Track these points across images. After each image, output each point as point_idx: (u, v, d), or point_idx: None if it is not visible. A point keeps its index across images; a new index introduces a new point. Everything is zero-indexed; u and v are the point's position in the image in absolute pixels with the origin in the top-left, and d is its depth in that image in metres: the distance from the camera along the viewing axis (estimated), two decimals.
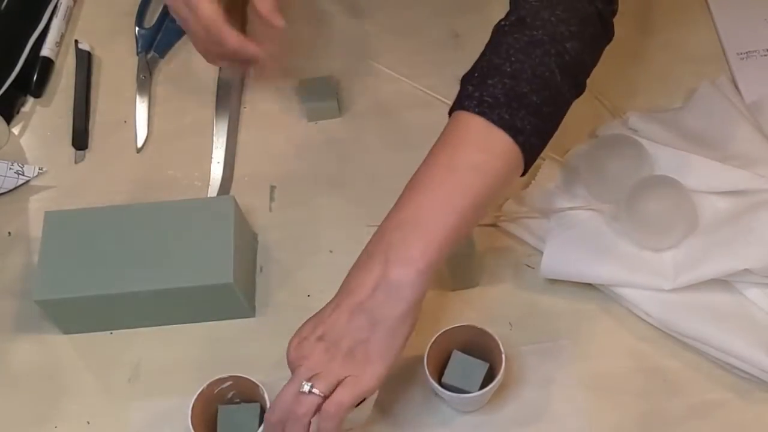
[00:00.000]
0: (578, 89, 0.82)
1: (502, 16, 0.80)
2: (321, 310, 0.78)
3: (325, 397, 0.75)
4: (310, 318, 0.79)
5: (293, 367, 0.77)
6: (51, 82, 1.13)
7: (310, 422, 0.75)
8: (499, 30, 0.81)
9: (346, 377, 0.75)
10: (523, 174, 0.80)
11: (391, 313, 0.74)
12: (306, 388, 0.75)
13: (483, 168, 0.76)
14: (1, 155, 1.07)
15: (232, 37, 0.93)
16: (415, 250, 0.74)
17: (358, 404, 0.78)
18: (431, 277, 0.75)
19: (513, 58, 0.77)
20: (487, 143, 0.76)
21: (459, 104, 0.78)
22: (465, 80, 0.80)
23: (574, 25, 0.79)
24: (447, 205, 0.75)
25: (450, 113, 0.80)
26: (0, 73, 1.10)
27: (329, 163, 1.04)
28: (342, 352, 0.75)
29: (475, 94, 0.77)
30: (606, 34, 0.84)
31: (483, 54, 0.80)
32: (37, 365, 0.94)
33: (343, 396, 0.75)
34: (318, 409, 0.75)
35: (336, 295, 0.77)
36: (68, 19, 1.17)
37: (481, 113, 0.76)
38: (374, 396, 0.80)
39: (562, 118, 0.81)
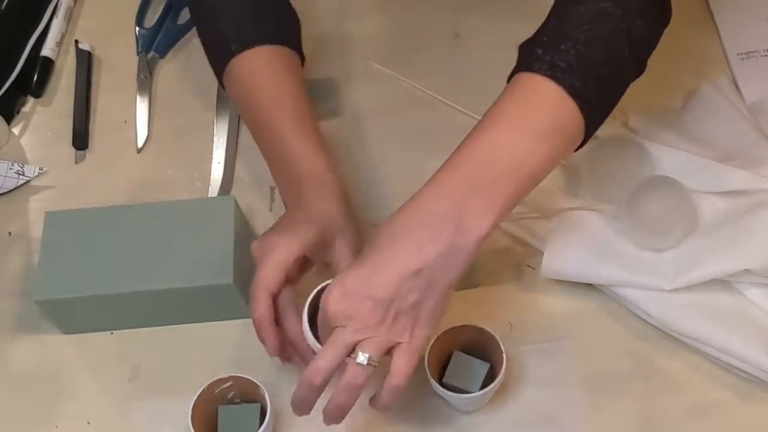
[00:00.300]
0: (640, 68, 0.80)
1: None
2: (362, 266, 0.73)
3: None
4: (353, 269, 0.74)
5: (334, 322, 0.73)
6: (51, 82, 1.13)
7: None
8: None
9: (397, 343, 0.73)
10: (578, 149, 0.78)
11: (447, 278, 0.73)
12: (363, 359, 0.72)
13: (548, 136, 0.73)
14: (2, 155, 1.07)
15: (255, 311, 0.81)
16: (485, 220, 0.72)
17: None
18: None
19: (585, 27, 0.75)
20: (554, 110, 0.74)
21: (526, 66, 0.75)
22: (531, 43, 0.77)
23: (641, 2, 0.78)
24: (514, 174, 0.73)
25: (511, 77, 0.77)
26: (0, 73, 1.10)
27: None
28: (391, 315, 0.72)
29: (546, 57, 0.74)
30: (665, 13, 0.82)
31: (548, 20, 0.78)
32: (37, 365, 0.93)
33: (407, 367, 0.73)
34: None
35: (382, 250, 0.73)
36: (68, 19, 1.17)
37: (552, 77, 0.73)
38: None
39: (621, 95, 0.79)
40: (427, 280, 0.72)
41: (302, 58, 0.94)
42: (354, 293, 0.73)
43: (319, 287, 0.80)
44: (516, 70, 0.77)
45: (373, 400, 0.78)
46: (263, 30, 0.90)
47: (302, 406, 0.77)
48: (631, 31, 0.77)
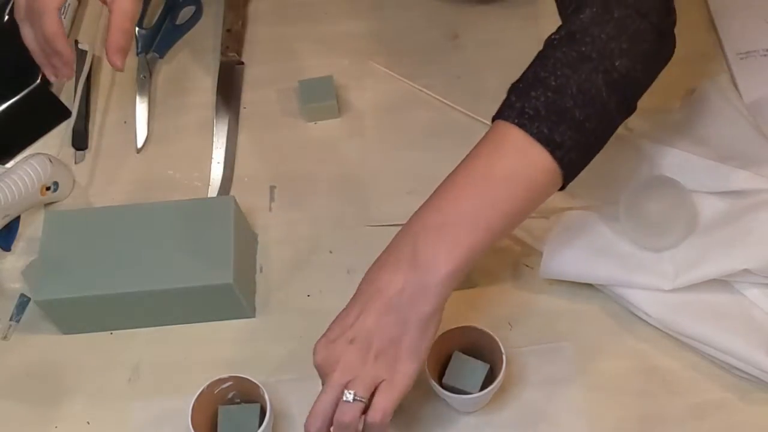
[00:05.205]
0: (628, 107, 0.81)
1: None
2: (344, 313, 0.77)
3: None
4: (335, 321, 0.78)
5: (324, 371, 0.76)
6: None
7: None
8: (549, 44, 0.80)
9: (381, 381, 0.75)
10: (562, 188, 0.80)
11: (419, 312, 0.74)
12: (350, 397, 0.74)
13: (516, 180, 0.76)
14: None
15: (49, 27, 0.89)
16: (443, 256, 0.74)
17: None
18: (458, 280, 0.75)
19: (559, 72, 0.77)
20: (524, 156, 0.76)
21: (500, 114, 0.78)
22: (511, 90, 0.79)
23: (624, 42, 0.78)
24: (477, 214, 0.75)
25: (493, 120, 0.79)
26: (11, 74, 1.09)
27: (329, 163, 1.04)
28: (374, 352, 0.75)
29: (517, 104, 0.77)
30: (662, 48, 0.82)
31: (531, 65, 0.80)
32: (37, 365, 0.94)
33: (386, 403, 0.75)
34: (362, 412, 0.75)
35: (358, 297, 0.77)
36: (73, 19, 1.17)
37: (520, 125, 0.76)
38: None
39: (608, 135, 0.81)
40: (397, 315, 0.75)
41: None
42: (337, 339, 0.76)
43: None
44: (495, 116, 0.79)
45: None
46: None
47: None
48: (610, 72, 0.77)
